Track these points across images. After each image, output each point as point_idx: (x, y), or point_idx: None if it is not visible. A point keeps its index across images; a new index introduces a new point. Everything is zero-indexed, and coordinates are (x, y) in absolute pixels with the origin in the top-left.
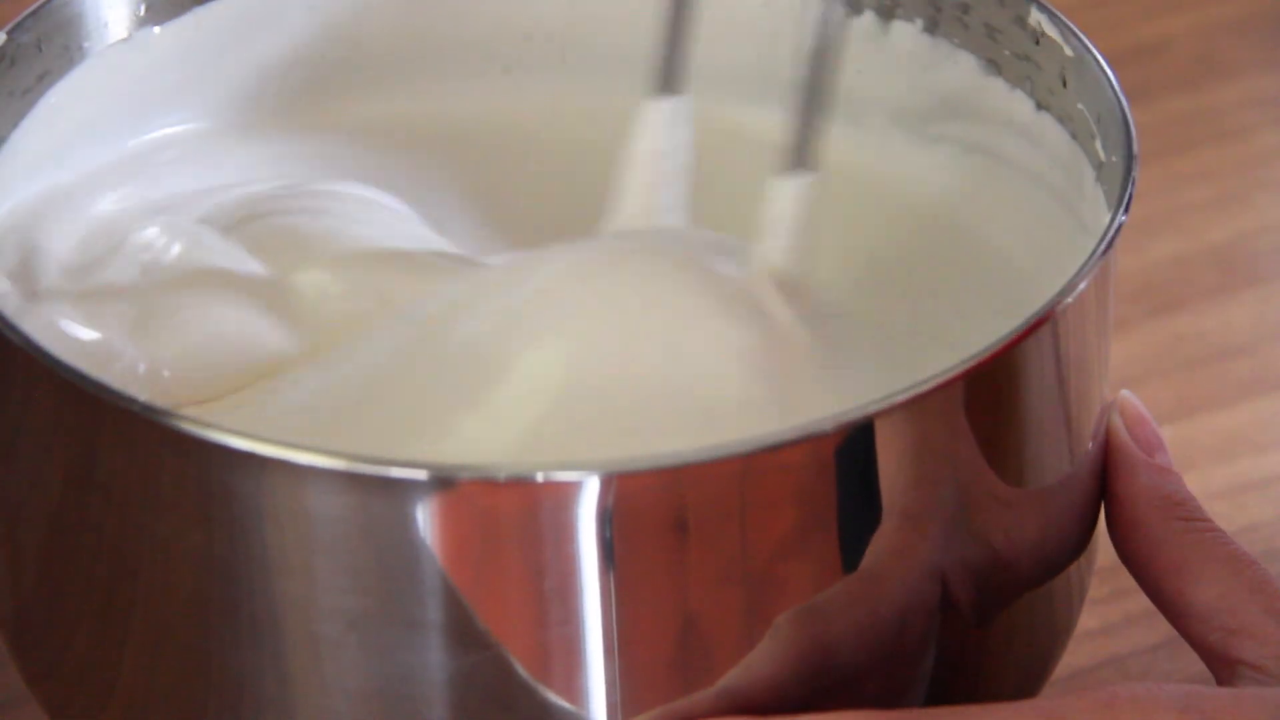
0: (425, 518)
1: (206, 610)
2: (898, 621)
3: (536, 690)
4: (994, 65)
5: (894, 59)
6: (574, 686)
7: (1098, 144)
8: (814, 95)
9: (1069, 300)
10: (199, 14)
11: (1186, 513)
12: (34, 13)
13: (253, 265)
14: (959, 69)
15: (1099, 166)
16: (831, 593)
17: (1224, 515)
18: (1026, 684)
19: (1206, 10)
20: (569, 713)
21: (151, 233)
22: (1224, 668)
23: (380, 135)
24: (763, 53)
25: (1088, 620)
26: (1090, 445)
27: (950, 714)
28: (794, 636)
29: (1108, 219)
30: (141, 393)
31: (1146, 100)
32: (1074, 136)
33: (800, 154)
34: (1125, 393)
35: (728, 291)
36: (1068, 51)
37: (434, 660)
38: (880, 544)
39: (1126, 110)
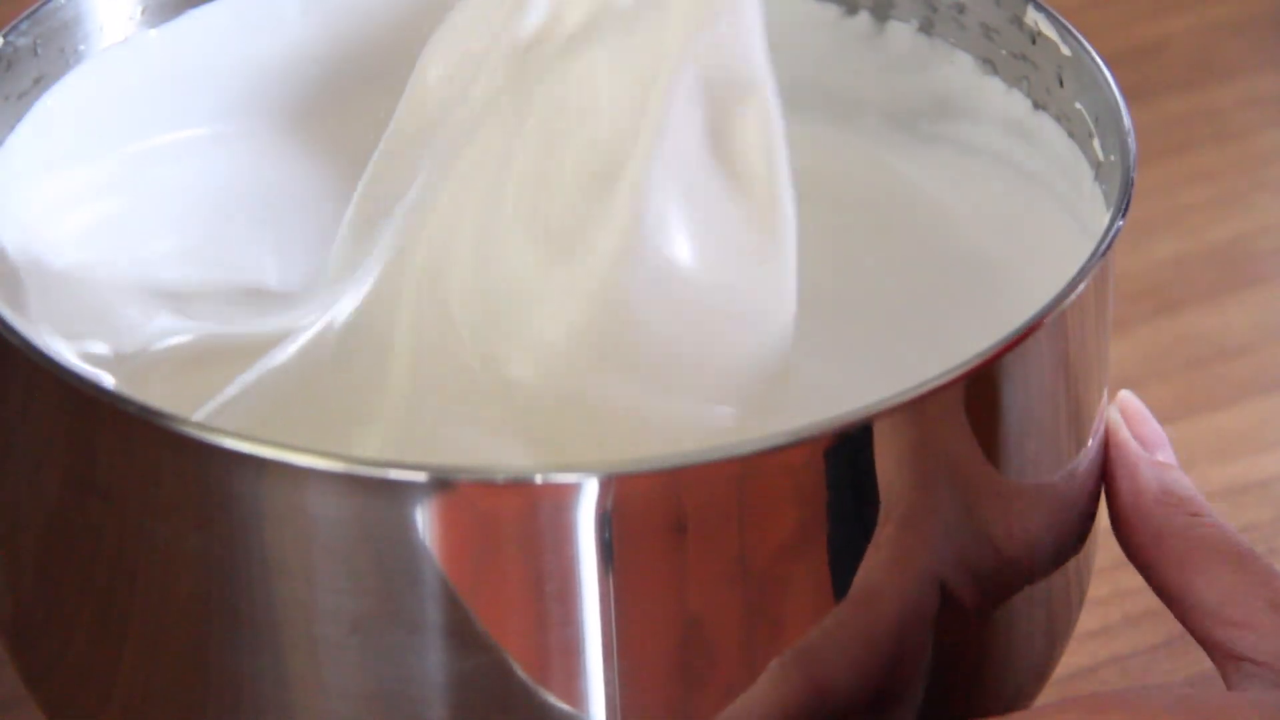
0: (424, 520)
1: (205, 612)
2: (896, 625)
3: (536, 692)
4: (990, 65)
5: (890, 59)
6: (573, 689)
7: (1096, 143)
8: None
9: (1069, 301)
10: (195, 17)
11: (1191, 508)
12: (30, 15)
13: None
14: (955, 69)
15: (1097, 166)
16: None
17: (1224, 515)
18: (1026, 684)
19: (1206, 10)
20: (568, 714)
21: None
22: (1228, 662)
23: (377, 135)
24: None
25: (1088, 620)
26: (1090, 442)
27: None
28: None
29: (1107, 219)
30: None
31: (1146, 100)
32: (1072, 136)
33: None
34: (1125, 392)
35: None
36: (1065, 51)
37: (433, 662)
38: (879, 545)
39: (1124, 109)
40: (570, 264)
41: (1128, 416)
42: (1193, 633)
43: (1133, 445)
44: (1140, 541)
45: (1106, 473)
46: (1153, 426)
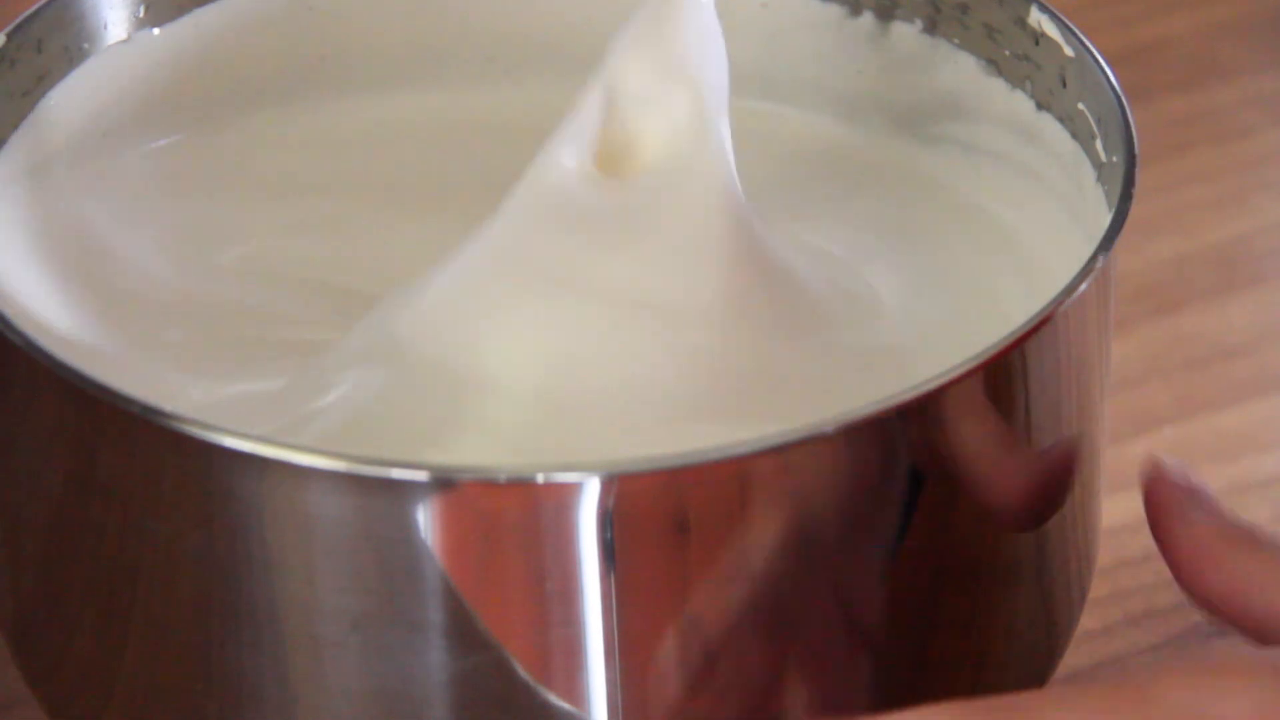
0: (426, 519)
1: (207, 611)
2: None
3: (537, 691)
4: (994, 65)
5: (893, 60)
6: (575, 688)
7: (1098, 144)
8: None
9: (1069, 301)
10: (198, 15)
11: (1257, 540)
12: (34, 14)
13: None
14: (959, 69)
15: (1100, 167)
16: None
17: None
18: (1026, 684)
19: (1206, 10)
20: (570, 714)
21: None
22: None
23: (381, 137)
24: (760, 54)
25: (1088, 620)
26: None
27: (1039, 698)
28: None
29: (1108, 219)
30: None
31: (1146, 100)
32: (1074, 137)
33: None
34: (1153, 457)
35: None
36: (1068, 51)
37: (435, 661)
38: (879, 545)
39: (1127, 110)
40: None
41: (1159, 471)
42: None
43: (1176, 492)
44: (1218, 583)
45: (1158, 529)
46: (1191, 476)
